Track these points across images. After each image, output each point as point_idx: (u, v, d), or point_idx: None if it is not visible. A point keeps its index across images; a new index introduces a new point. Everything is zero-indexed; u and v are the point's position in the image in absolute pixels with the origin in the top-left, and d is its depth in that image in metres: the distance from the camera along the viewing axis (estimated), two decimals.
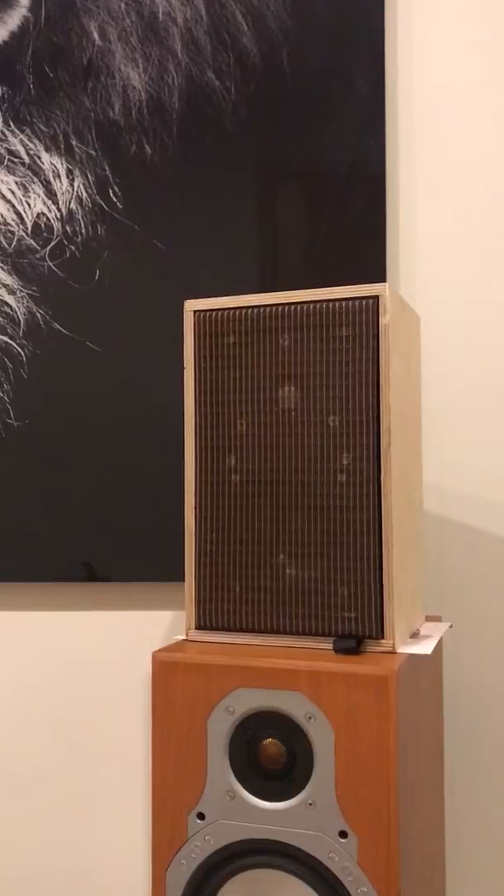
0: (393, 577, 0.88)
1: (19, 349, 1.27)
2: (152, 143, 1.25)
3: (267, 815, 0.85)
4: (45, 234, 1.26)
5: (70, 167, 1.26)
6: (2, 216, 1.27)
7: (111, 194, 1.25)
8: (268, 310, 0.93)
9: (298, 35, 1.22)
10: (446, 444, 1.23)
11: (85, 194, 1.26)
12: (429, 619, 1.12)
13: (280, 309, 0.92)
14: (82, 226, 1.26)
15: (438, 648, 1.07)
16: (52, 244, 1.26)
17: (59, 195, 1.26)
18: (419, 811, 0.93)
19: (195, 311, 0.96)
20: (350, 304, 0.90)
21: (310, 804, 0.84)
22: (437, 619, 1.13)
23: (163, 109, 1.25)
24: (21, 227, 1.26)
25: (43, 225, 1.26)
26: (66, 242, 1.26)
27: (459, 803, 1.21)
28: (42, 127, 1.26)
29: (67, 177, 1.26)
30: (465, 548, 1.22)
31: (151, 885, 0.89)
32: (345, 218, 1.21)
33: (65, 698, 1.30)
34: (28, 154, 1.26)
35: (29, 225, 1.26)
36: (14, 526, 1.26)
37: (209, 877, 0.87)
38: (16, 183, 1.27)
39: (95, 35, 1.25)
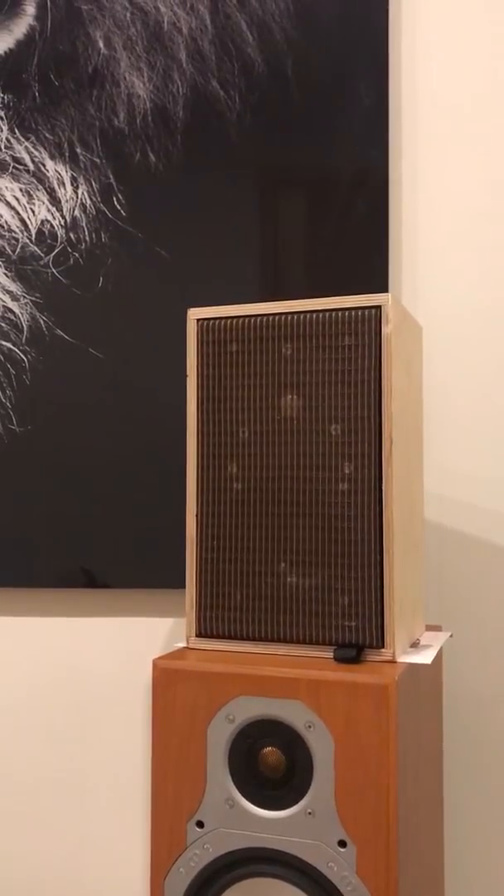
0: (394, 586, 0.88)
1: (22, 355, 1.27)
2: (156, 151, 1.25)
3: (266, 823, 0.85)
4: (48, 241, 1.27)
5: (74, 175, 1.26)
6: (6, 223, 1.27)
7: (115, 202, 1.26)
8: (271, 319, 0.93)
9: (303, 45, 1.23)
10: (447, 454, 1.23)
11: (89, 202, 1.26)
12: (429, 628, 1.12)
13: (283, 318, 0.93)
14: (86, 233, 1.26)
15: (438, 658, 1.07)
16: (56, 251, 1.27)
17: (63, 202, 1.27)
18: (418, 821, 0.93)
19: (198, 320, 0.96)
20: (353, 313, 0.90)
21: (309, 813, 0.84)
22: (438, 628, 1.13)
23: (167, 118, 1.25)
24: (25, 233, 1.27)
25: (47, 232, 1.27)
26: (69, 249, 1.26)
27: (458, 813, 1.21)
28: (47, 134, 1.27)
29: (72, 184, 1.26)
30: (465, 557, 1.22)
31: (150, 893, 0.89)
32: (347, 227, 1.22)
33: (64, 704, 1.30)
34: (33, 161, 1.27)
35: (33, 232, 1.27)
36: (15, 531, 1.27)
37: (208, 885, 0.87)
38: (20, 190, 1.27)
39: (101, 44, 1.26)
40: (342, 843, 0.82)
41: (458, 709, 1.21)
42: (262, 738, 0.86)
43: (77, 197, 1.26)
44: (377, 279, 1.21)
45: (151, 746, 0.90)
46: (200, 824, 0.87)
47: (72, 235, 1.26)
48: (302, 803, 0.84)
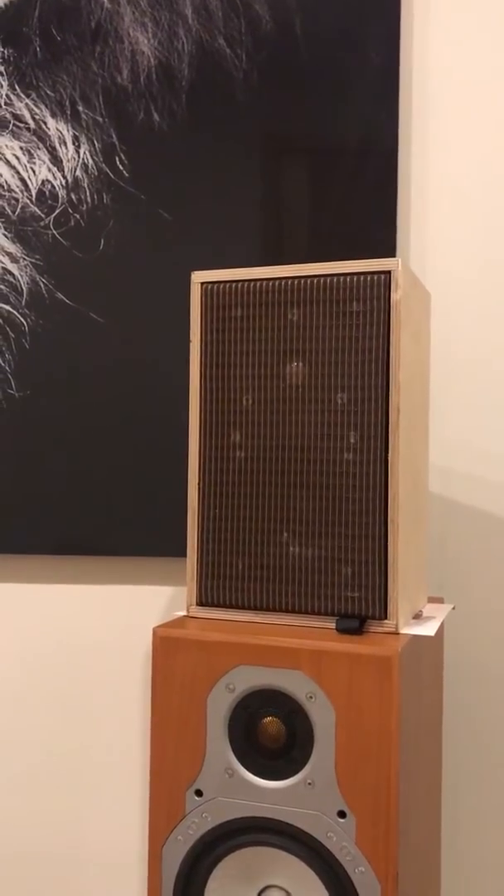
0: (397, 558, 0.87)
1: (21, 319, 1.25)
2: (160, 110, 1.22)
3: (265, 793, 0.85)
4: (49, 202, 1.24)
5: (76, 133, 1.23)
6: (6, 183, 1.24)
7: (118, 162, 1.23)
8: (277, 283, 0.91)
9: (312, 3, 1.19)
10: (452, 425, 1.21)
11: (91, 161, 1.23)
12: (431, 600, 1.12)
13: (289, 282, 0.91)
14: (88, 194, 1.23)
15: (440, 630, 1.07)
16: (57, 212, 1.24)
17: (64, 162, 1.24)
18: (418, 792, 0.92)
19: (202, 283, 0.94)
20: (361, 278, 0.88)
21: (309, 783, 0.83)
22: (440, 600, 1.12)
23: (172, 76, 1.22)
24: (25, 194, 1.24)
25: (47, 192, 1.24)
26: (70, 210, 1.24)
27: (457, 785, 1.21)
28: (48, 91, 1.23)
29: (73, 143, 1.23)
30: (468, 529, 1.21)
31: (148, 861, 0.89)
32: (355, 192, 1.19)
33: (64, 672, 1.29)
34: (34, 119, 1.24)
35: (33, 192, 1.24)
36: (14, 497, 1.25)
37: (206, 853, 0.87)
38: (20, 148, 1.24)
39: None
40: (342, 814, 0.82)
41: (458, 681, 1.21)
42: (263, 707, 0.85)
43: (79, 156, 1.23)
44: (385, 245, 1.18)
45: (151, 715, 0.89)
46: (199, 793, 0.87)
47: (73, 196, 1.23)
48: (302, 773, 0.84)
